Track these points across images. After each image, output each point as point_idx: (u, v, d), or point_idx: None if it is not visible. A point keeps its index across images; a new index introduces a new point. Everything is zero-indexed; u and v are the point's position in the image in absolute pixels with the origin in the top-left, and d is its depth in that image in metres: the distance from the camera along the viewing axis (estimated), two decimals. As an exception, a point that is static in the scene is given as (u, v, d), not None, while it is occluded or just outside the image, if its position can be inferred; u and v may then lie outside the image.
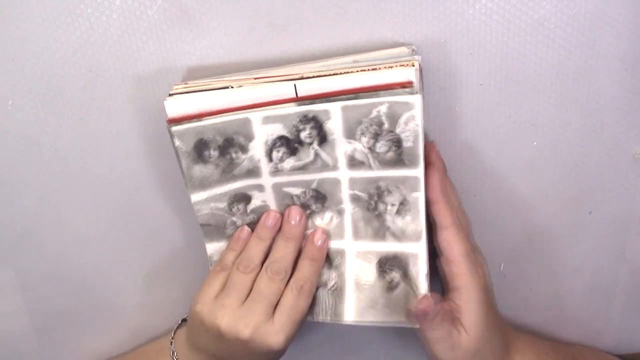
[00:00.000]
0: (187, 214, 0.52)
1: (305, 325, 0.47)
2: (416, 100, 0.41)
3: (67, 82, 0.47)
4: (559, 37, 0.46)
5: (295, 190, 0.46)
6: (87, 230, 0.53)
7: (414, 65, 0.40)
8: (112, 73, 0.46)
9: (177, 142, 0.44)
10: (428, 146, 0.45)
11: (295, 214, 0.46)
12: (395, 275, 0.46)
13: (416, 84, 0.40)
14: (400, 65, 0.41)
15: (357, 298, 0.47)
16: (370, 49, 0.45)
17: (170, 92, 0.44)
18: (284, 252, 0.46)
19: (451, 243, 0.43)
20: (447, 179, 0.46)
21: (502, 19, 0.45)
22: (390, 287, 0.47)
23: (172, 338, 0.51)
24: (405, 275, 0.46)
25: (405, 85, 0.40)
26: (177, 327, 0.52)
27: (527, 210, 0.53)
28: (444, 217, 0.43)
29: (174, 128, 0.43)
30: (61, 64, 0.46)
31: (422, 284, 0.45)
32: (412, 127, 0.42)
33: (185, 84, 0.44)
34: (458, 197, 0.48)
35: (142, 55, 0.46)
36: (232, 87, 0.42)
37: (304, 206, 0.47)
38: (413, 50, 0.44)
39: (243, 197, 0.47)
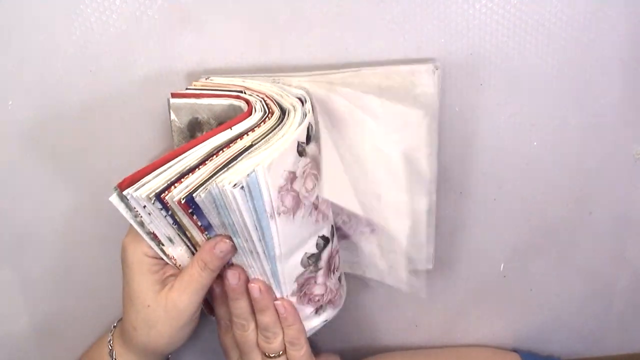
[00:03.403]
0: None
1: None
2: None
3: (67, 82, 0.47)
4: (559, 37, 0.46)
5: None
6: (87, 230, 0.53)
7: None
8: (112, 73, 0.46)
9: (173, 116, 0.43)
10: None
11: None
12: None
13: None
14: None
15: None
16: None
17: (187, 87, 0.44)
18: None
19: None
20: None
21: (502, 19, 0.45)
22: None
23: (110, 342, 0.49)
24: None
25: None
26: (112, 331, 0.50)
27: (527, 210, 0.53)
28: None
29: (172, 100, 0.43)
30: (61, 64, 0.46)
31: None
32: None
33: (205, 79, 0.44)
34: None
35: (142, 56, 0.46)
36: (244, 93, 0.42)
37: None
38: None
39: None
